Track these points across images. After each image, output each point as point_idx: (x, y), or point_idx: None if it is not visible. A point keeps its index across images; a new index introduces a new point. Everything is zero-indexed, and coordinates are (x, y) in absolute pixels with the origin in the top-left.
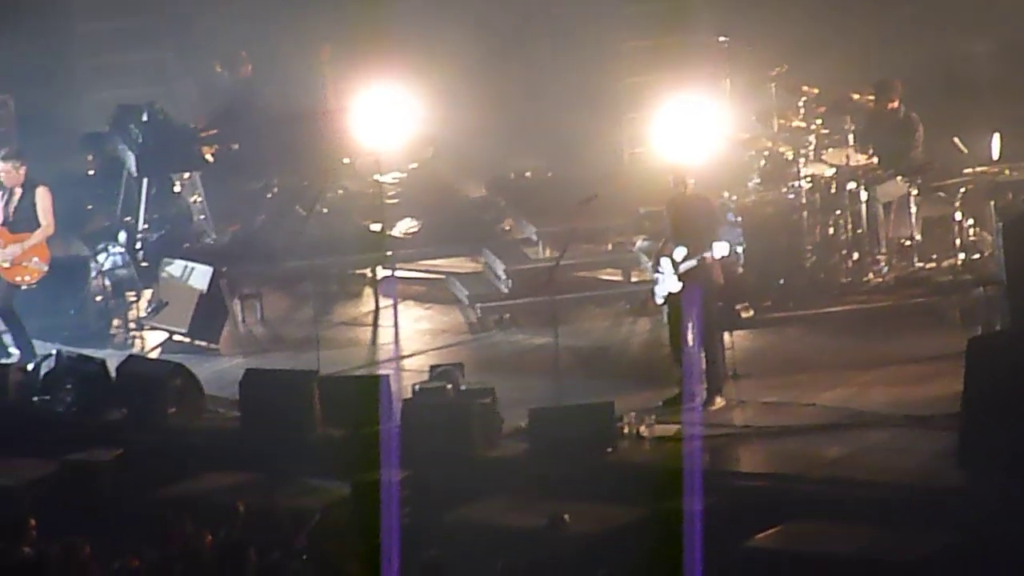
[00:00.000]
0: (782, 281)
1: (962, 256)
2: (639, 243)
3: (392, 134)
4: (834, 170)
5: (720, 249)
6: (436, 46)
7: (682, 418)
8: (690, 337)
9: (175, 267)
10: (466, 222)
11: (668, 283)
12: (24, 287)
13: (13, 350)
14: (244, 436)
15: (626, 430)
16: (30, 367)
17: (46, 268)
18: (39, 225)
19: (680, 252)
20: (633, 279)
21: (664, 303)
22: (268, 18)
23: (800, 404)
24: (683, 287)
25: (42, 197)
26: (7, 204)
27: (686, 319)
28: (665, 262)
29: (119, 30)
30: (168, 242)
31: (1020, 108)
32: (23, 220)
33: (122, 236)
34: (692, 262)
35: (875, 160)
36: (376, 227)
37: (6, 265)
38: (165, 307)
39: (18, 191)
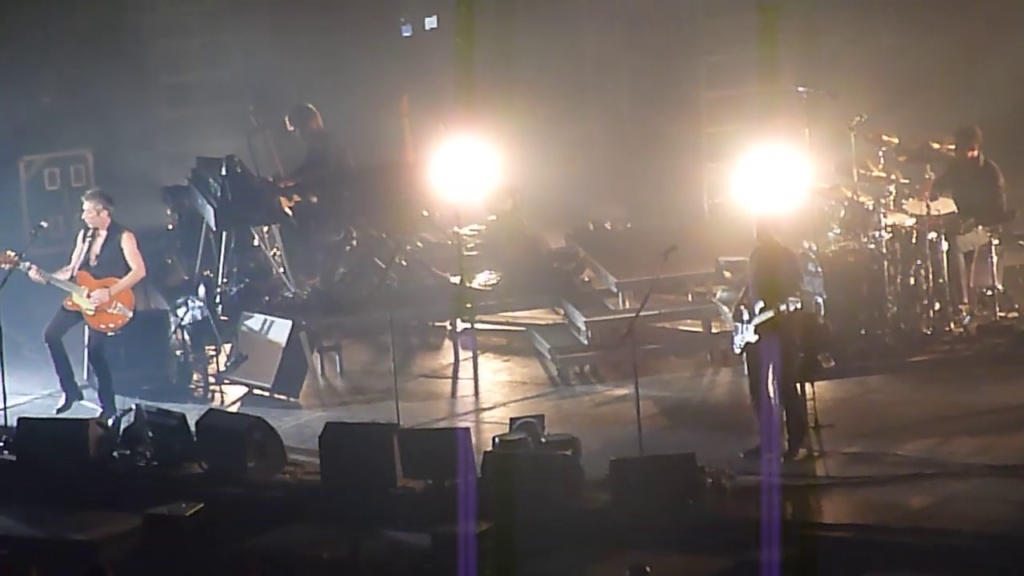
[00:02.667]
0: (864, 331)
1: None
2: (719, 294)
3: (472, 186)
4: (914, 220)
5: (792, 304)
6: (516, 98)
7: (764, 469)
8: (769, 388)
9: (254, 321)
10: (546, 273)
11: (746, 334)
12: (110, 334)
13: (89, 403)
14: (325, 489)
15: (708, 481)
16: (110, 422)
17: (130, 314)
18: (124, 270)
19: (759, 304)
20: (714, 330)
21: (742, 353)
22: (347, 70)
23: (883, 454)
24: (759, 338)
25: (128, 242)
26: (90, 248)
27: (764, 370)
28: (744, 313)
29: (199, 83)
30: (248, 296)
31: None
32: (106, 264)
33: (201, 290)
34: (768, 314)
35: (956, 209)
36: (455, 279)
37: (91, 312)
38: (245, 361)
39: (102, 234)
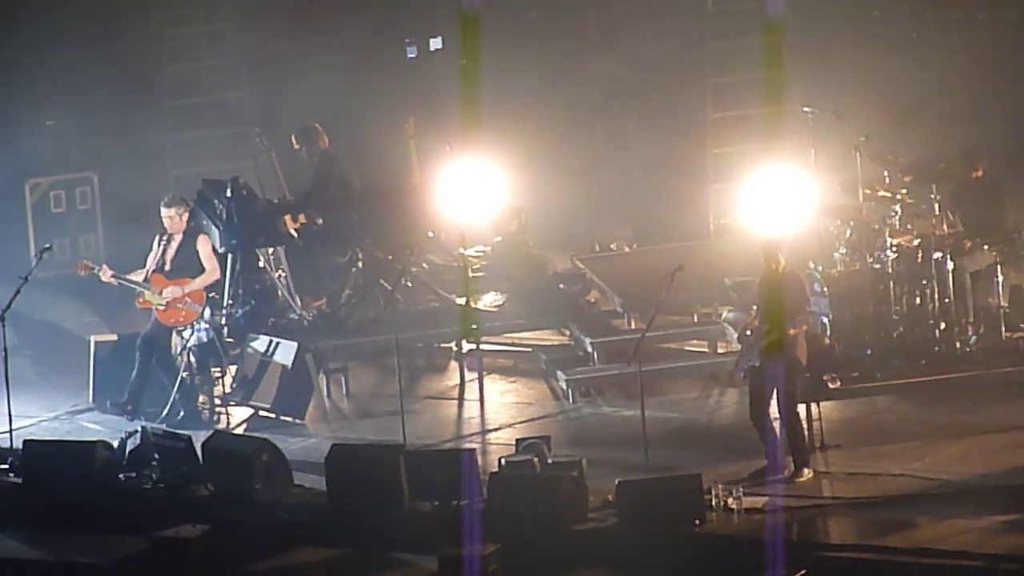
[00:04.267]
0: (869, 351)
1: None
2: (725, 314)
3: (478, 207)
4: (920, 239)
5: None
6: (522, 119)
7: (770, 490)
8: (774, 409)
9: (260, 343)
10: (552, 294)
11: (752, 356)
12: (180, 328)
13: (93, 425)
14: (331, 511)
15: (714, 502)
16: (116, 444)
17: (199, 309)
18: (199, 271)
19: (765, 327)
20: (719, 351)
21: (745, 376)
22: (354, 92)
23: (889, 474)
24: (764, 360)
25: (204, 245)
26: (165, 251)
27: (768, 391)
28: (751, 335)
29: (205, 106)
30: (253, 318)
31: None
32: (180, 268)
33: (207, 312)
34: (773, 335)
35: (961, 229)
36: (461, 301)
37: (162, 307)
38: (251, 383)
39: (178, 238)
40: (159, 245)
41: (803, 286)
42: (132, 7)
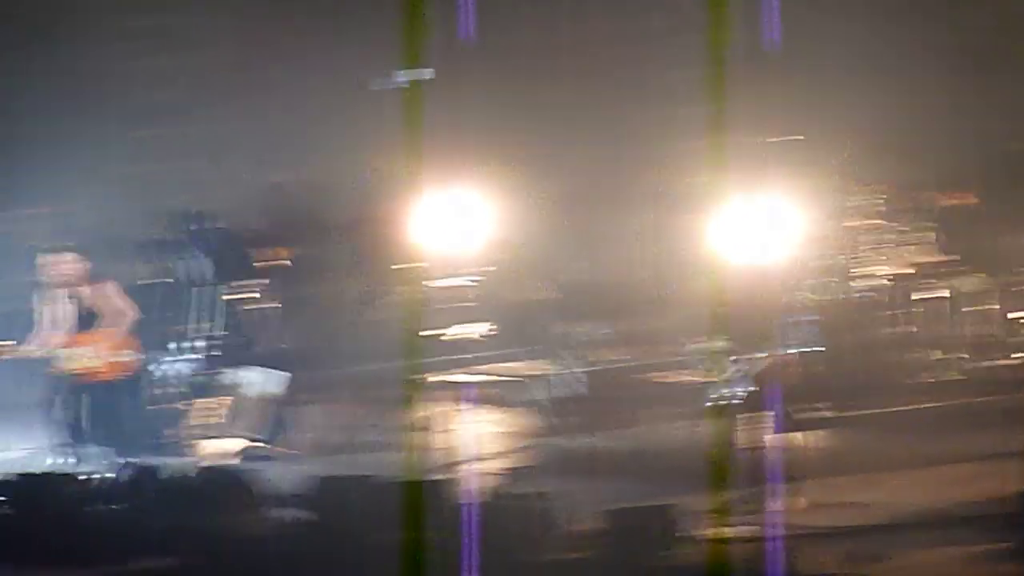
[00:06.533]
0: (857, 380)
1: None
2: (710, 345)
3: (460, 238)
4: (911, 268)
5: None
6: (506, 147)
7: (741, 520)
8: (757, 438)
9: (238, 373)
10: (535, 325)
11: (738, 384)
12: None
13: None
14: (307, 543)
15: (685, 533)
16: (87, 477)
17: (142, 356)
18: (117, 318)
19: (750, 355)
20: (705, 380)
21: (728, 404)
22: (324, 121)
23: (864, 504)
24: (750, 389)
25: (113, 287)
26: (78, 305)
27: (750, 420)
28: (736, 363)
29: (166, 137)
30: (231, 348)
31: None
32: (95, 318)
33: (184, 343)
34: (762, 362)
35: (952, 257)
36: (443, 331)
37: (100, 368)
38: (229, 414)
39: (86, 289)
40: (72, 303)
41: (783, 312)
42: (82, 40)
